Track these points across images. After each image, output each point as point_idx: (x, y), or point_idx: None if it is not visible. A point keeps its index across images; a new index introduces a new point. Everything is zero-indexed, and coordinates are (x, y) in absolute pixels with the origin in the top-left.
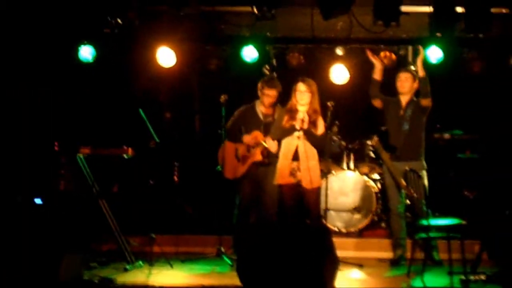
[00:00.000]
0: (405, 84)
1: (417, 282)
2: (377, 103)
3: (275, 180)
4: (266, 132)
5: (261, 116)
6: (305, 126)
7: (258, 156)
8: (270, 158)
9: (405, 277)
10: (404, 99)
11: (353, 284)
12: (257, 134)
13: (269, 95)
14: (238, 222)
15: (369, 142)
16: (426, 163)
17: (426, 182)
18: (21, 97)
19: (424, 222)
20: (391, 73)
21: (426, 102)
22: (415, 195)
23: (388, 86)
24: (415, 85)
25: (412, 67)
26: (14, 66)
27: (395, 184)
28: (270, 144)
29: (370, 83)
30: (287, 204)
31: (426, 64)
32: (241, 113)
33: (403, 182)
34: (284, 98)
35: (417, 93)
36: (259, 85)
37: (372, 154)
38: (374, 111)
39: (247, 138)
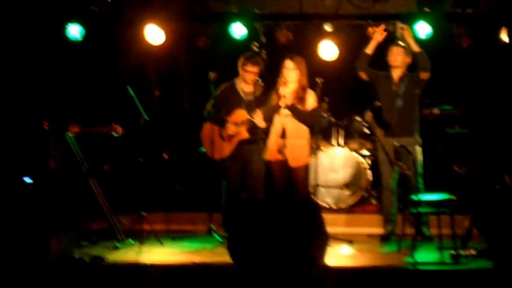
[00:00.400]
0: (398, 58)
1: (407, 258)
2: (363, 75)
3: (265, 156)
4: (248, 110)
5: (242, 94)
6: (288, 102)
7: (244, 134)
8: (257, 135)
9: (396, 253)
10: (396, 74)
11: (343, 260)
12: (241, 112)
13: (251, 71)
14: (227, 201)
15: (358, 118)
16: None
17: (420, 157)
18: (9, 77)
19: (414, 197)
20: (381, 48)
21: (425, 75)
22: (408, 172)
23: (377, 62)
24: (407, 59)
25: (401, 43)
26: (1, 46)
27: (388, 160)
28: (258, 119)
29: (358, 55)
30: (276, 180)
31: (415, 40)
32: (221, 92)
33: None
34: (273, 74)
35: (410, 68)
36: (241, 61)
37: (366, 130)
38: (363, 87)
39: (233, 117)
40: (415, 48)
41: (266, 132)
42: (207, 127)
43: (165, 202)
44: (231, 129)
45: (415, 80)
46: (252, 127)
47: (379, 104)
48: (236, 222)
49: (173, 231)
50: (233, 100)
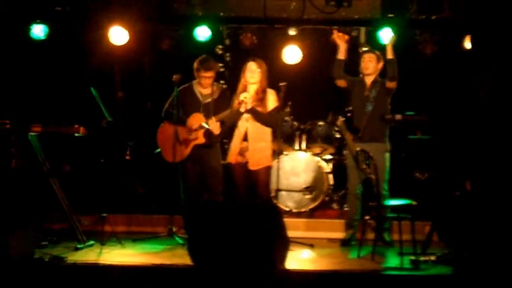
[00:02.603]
0: (369, 65)
1: (367, 263)
2: (341, 83)
3: (227, 158)
4: (205, 113)
5: (199, 96)
6: (248, 106)
7: (201, 139)
8: (212, 139)
9: (356, 258)
10: (368, 80)
11: (304, 264)
12: (198, 116)
13: (205, 76)
14: (186, 202)
15: (320, 122)
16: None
17: (388, 164)
18: None
19: (377, 203)
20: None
21: (392, 84)
22: (372, 176)
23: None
24: (379, 65)
25: (365, 48)
26: None
27: (355, 165)
28: (213, 125)
29: (333, 63)
30: (237, 183)
31: (379, 45)
32: (179, 93)
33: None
34: (236, 78)
35: (382, 74)
36: (195, 65)
37: (337, 135)
38: (327, 91)
39: (189, 121)
40: (389, 54)
41: (226, 136)
42: (164, 128)
43: (126, 203)
44: (188, 132)
45: (385, 87)
46: (208, 132)
47: (351, 108)
48: (196, 224)
49: (134, 233)
50: (190, 102)
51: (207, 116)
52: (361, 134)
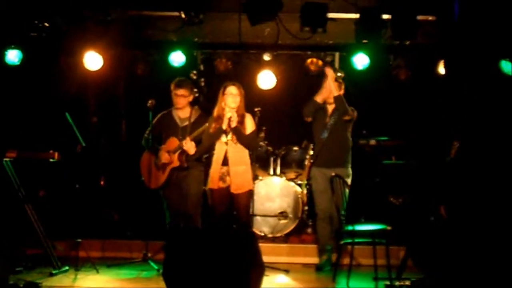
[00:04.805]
0: (331, 95)
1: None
2: (309, 119)
3: (207, 184)
4: (182, 135)
5: (177, 120)
6: (233, 125)
7: (176, 162)
8: (189, 162)
9: (331, 282)
10: (330, 107)
11: None
12: (172, 140)
13: (178, 94)
14: (169, 227)
15: (295, 148)
16: (352, 170)
17: (347, 189)
18: None
19: (349, 227)
20: (316, 79)
21: (347, 117)
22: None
23: (311, 91)
24: (342, 92)
25: (339, 74)
26: None
27: (323, 190)
28: (188, 146)
29: (308, 103)
30: (216, 209)
31: (353, 71)
32: (158, 120)
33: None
34: (211, 103)
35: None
36: (171, 87)
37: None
38: (300, 117)
39: (164, 146)
40: (335, 92)
41: (207, 158)
42: (145, 156)
43: (101, 229)
44: (164, 157)
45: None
46: (184, 155)
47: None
48: (172, 250)
49: (109, 258)
50: (169, 126)
51: (184, 138)
52: (313, 160)
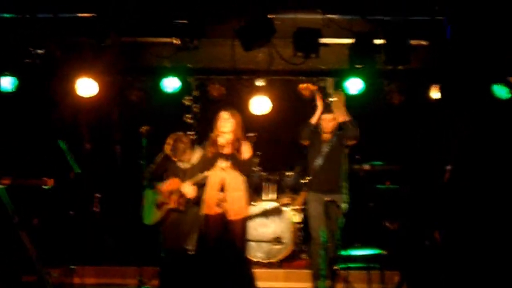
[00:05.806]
0: (329, 125)
1: None
2: (305, 142)
3: (203, 210)
4: (184, 178)
5: (179, 162)
6: (229, 150)
7: (173, 204)
8: (187, 206)
9: None
10: (326, 136)
11: None
12: (173, 181)
13: (180, 149)
14: (164, 253)
15: (289, 173)
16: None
17: (341, 215)
18: None
19: (344, 252)
20: (309, 104)
21: (352, 142)
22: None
23: (305, 116)
24: (336, 122)
25: (332, 98)
26: None
27: (317, 215)
28: (187, 190)
29: (303, 126)
30: (211, 235)
31: (346, 96)
32: (160, 160)
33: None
34: (205, 129)
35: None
36: (167, 139)
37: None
38: (296, 142)
39: (163, 186)
40: (345, 117)
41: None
42: (146, 194)
43: (95, 255)
44: (163, 196)
45: (342, 142)
46: (182, 197)
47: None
48: (167, 276)
49: (103, 285)
50: (170, 167)
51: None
52: (308, 185)
